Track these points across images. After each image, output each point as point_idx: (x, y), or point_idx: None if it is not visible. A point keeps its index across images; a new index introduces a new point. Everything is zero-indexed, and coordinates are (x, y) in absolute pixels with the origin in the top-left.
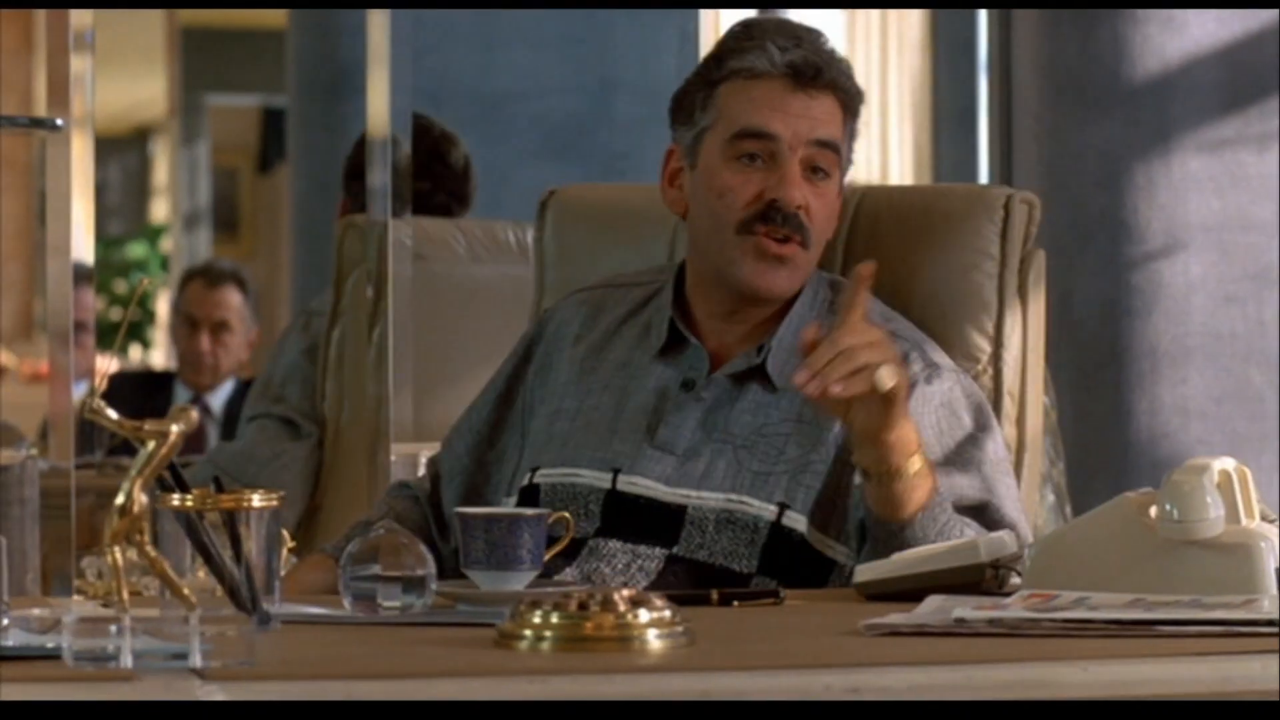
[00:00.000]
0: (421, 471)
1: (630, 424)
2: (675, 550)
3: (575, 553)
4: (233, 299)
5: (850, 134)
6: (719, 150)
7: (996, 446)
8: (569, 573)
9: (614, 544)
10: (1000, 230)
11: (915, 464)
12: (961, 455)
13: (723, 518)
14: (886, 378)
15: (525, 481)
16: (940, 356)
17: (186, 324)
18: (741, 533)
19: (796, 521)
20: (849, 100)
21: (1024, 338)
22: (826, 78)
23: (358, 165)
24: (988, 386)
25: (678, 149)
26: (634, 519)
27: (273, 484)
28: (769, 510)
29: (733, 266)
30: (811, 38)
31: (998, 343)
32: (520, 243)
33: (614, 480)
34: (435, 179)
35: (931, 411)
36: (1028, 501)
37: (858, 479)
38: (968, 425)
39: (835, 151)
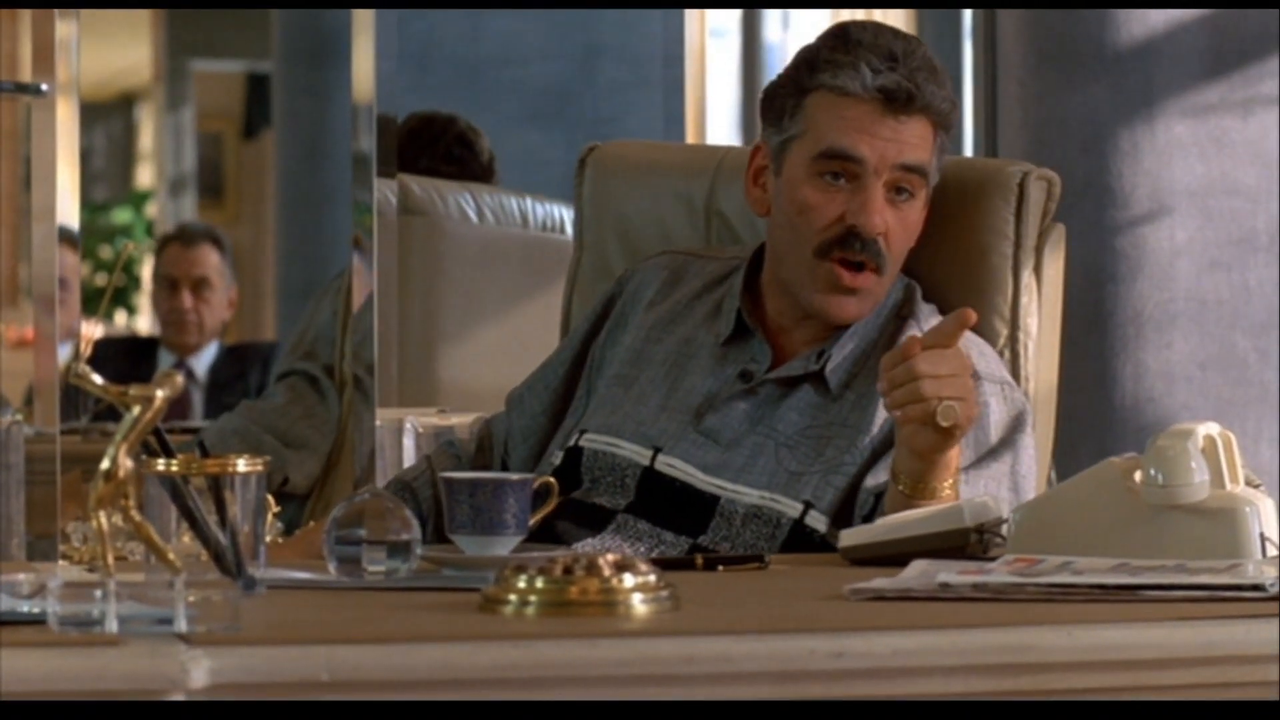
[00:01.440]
0: (408, 441)
1: (680, 405)
2: (700, 540)
3: (604, 523)
4: (210, 257)
5: (940, 149)
6: (804, 164)
7: (1017, 463)
8: (591, 543)
9: (643, 525)
10: (1015, 210)
11: (947, 487)
12: (975, 468)
13: (752, 513)
14: (947, 415)
15: (571, 442)
16: (985, 364)
17: (166, 285)
18: (765, 528)
19: (818, 521)
20: (942, 119)
21: (1040, 317)
22: (919, 103)
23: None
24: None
25: (765, 147)
26: (667, 501)
27: (303, 441)
28: (794, 508)
29: (805, 289)
30: (908, 56)
31: (1014, 325)
32: (522, 210)
33: (653, 459)
34: (462, 164)
35: None
36: (1039, 484)
37: (869, 481)
38: (992, 441)
39: (921, 174)
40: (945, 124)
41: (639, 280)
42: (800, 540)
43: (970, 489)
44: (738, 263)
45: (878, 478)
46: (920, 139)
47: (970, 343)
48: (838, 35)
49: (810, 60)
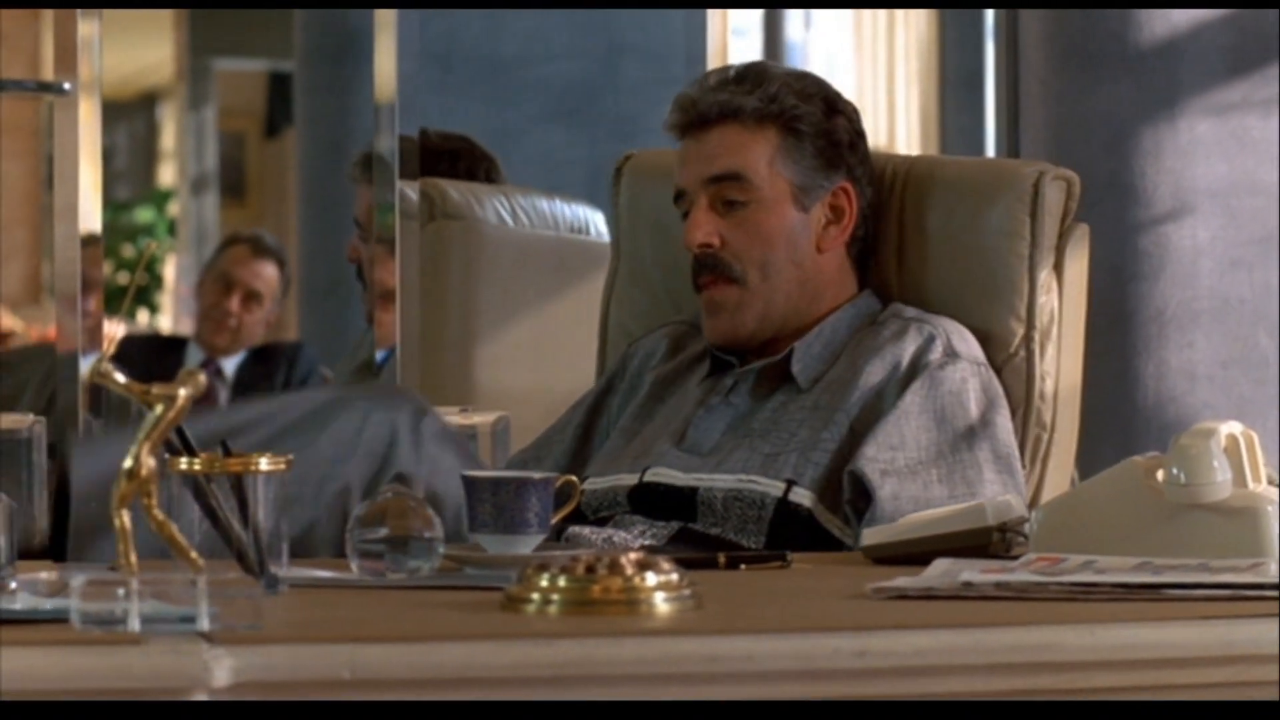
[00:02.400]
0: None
1: (670, 435)
2: (691, 526)
3: (603, 524)
4: (271, 273)
5: (788, 151)
6: None
7: (996, 444)
8: (587, 528)
9: (636, 518)
10: (1030, 210)
11: None
12: (954, 453)
13: (731, 496)
14: None
15: None
16: (965, 346)
17: (220, 282)
18: (750, 509)
19: (803, 497)
20: (761, 119)
21: (1059, 318)
22: (709, 115)
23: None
24: (1020, 370)
25: None
26: (655, 503)
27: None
28: (776, 487)
29: None
30: (709, 79)
31: (1029, 324)
32: (553, 212)
33: (641, 476)
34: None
35: (939, 398)
36: (1057, 488)
37: (853, 465)
38: (972, 417)
39: (737, 179)
40: (771, 122)
41: (646, 351)
42: (789, 521)
43: (947, 484)
44: None
45: (860, 460)
46: (726, 147)
47: (949, 327)
48: None
49: None
